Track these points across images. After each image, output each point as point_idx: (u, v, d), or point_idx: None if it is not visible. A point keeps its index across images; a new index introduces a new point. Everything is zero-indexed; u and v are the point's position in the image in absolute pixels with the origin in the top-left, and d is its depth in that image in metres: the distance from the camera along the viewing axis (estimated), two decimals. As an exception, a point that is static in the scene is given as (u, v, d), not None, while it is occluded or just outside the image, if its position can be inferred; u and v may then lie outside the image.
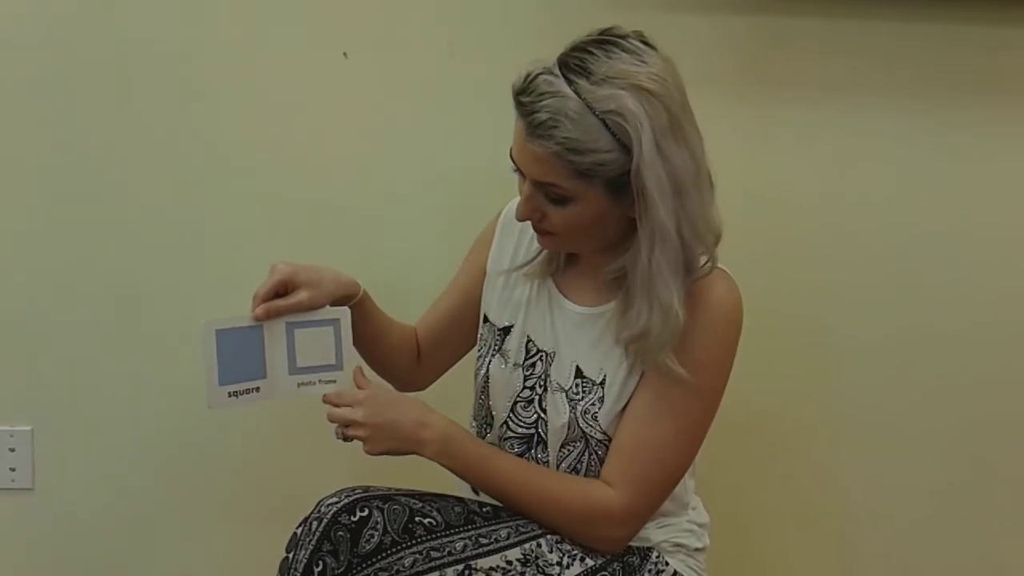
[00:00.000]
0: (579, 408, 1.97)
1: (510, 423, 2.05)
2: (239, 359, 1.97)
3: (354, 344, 2.03)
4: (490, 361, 2.08)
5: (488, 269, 2.13)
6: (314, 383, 2.01)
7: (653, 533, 2.02)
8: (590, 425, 1.96)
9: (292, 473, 2.56)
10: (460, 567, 1.87)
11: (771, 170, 2.48)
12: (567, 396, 1.99)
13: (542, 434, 2.02)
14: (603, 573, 1.94)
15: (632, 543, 1.99)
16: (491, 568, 1.88)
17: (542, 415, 2.02)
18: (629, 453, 1.94)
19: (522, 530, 1.93)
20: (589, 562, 1.94)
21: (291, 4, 2.48)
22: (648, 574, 1.98)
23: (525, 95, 1.82)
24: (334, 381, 2.00)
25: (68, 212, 2.52)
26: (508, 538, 1.91)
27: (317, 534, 1.82)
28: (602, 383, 1.97)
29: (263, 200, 2.53)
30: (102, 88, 2.49)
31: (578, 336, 2.01)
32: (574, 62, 1.81)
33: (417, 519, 1.87)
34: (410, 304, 2.28)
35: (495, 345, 2.09)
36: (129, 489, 2.60)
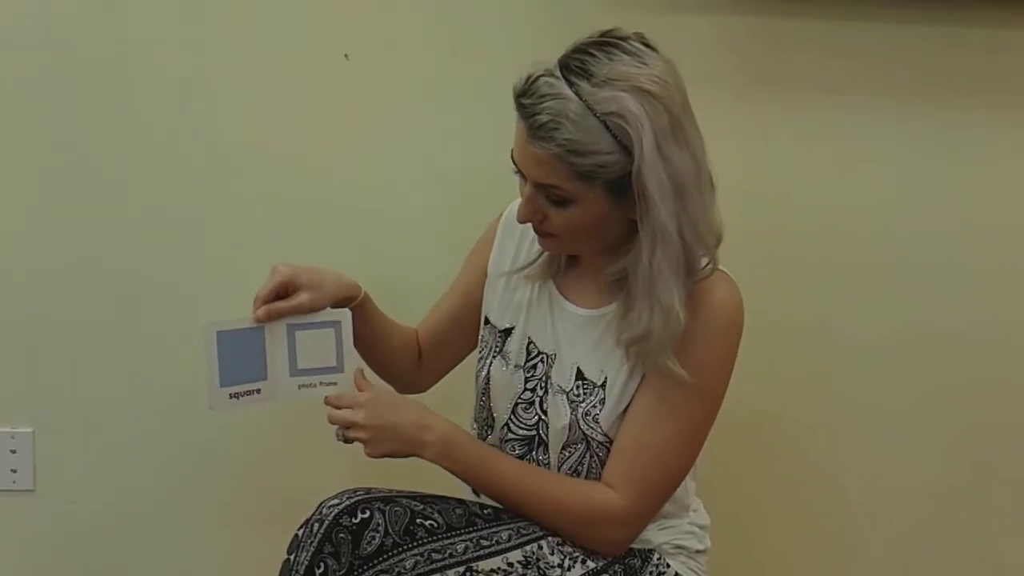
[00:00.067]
0: (580, 410, 1.97)
1: (511, 425, 2.05)
2: (240, 361, 1.97)
3: (355, 346, 2.03)
4: (491, 363, 2.08)
5: (489, 271, 2.13)
6: (315, 385, 2.01)
7: (654, 535, 2.02)
8: (591, 427, 1.96)
9: (292, 474, 2.56)
10: (461, 569, 1.86)
11: (770, 171, 2.48)
12: (568, 398, 1.99)
13: (543, 436, 2.02)
14: (604, 575, 1.94)
15: (633, 545, 1.99)
16: (492, 570, 1.88)
17: (543, 417, 2.02)
18: (630, 455, 1.94)
19: (523, 532, 1.93)
20: (590, 564, 1.94)
21: (291, 4, 2.48)
22: (649, 576, 1.99)
23: (526, 97, 1.82)
24: (335, 383, 2.00)
25: (68, 212, 2.52)
26: (509, 540, 1.91)
27: (318, 536, 1.82)
28: (603, 385, 1.97)
29: (263, 200, 2.53)
30: (102, 88, 2.49)
31: (579, 338, 2.01)
32: (575, 64, 1.81)
33: (418, 521, 1.87)
34: (410, 305, 2.28)
35: (496, 347, 2.09)
36: (130, 490, 2.60)
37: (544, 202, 1.88)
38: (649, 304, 1.86)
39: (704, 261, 1.90)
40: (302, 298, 1.98)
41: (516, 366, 2.05)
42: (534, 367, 2.04)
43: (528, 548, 1.91)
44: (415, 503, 1.89)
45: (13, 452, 2.59)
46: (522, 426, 2.04)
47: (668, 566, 2.01)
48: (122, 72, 2.49)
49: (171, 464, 2.60)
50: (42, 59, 2.48)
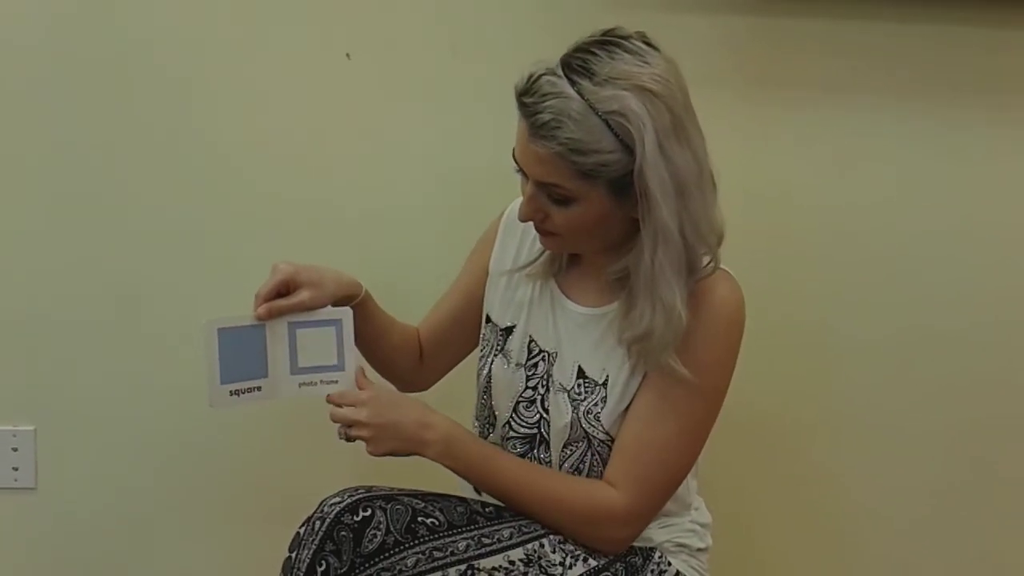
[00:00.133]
0: (581, 408, 1.97)
1: (512, 423, 2.05)
2: (241, 358, 1.97)
3: (356, 344, 2.03)
4: (492, 361, 2.08)
5: (490, 269, 2.13)
6: (316, 383, 2.01)
7: (656, 533, 2.02)
8: (592, 425, 1.96)
9: (293, 473, 2.56)
10: (463, 567, 1.87)
11: (771, 170, 2.48)
12: (569, 396, 1.99)
13: (544, 434, 2.02)
14: (606, 573, 1.94)
15: (635, 543, 1.99)
16: (494, 568, 1.88)
17: (544, 415, 2.02)
18: (632, 454, 1.94)
19: (525, 530, 1.93)
20: (592, 562, 1.94)
21: (291, 4, 2.48)
22: (651, 574, 1.98)
23: (528, 96, 1.82)
24: (336, 382, 2.00)
25: (68, 212, 2.52)
26: (511, 538, 1.91)
27: (320, 533, 1.82)
28: (604, 383, 1.97)
29: (263, 200, 2.53)
30: (102, 88, 2.49)
31: (580, 336, 2.01)
32: (577, 63, 1.81)
33: (420, 519, 1.87)
34: (411, 304, 2.28)
35: (497, 345, 2.09)
36: (131, 488, 2.60)
37: (546, 201, 1.88)
38: (651, 303, 1.86)
39: (706, 260, 1.90)
40: (303, 296, 1.98)
41: (517, 364, 2.05)
42: (535, 365, 2.04)
43: (530, 546, 1.91)
44: (416, 501, 1.89)
45: (15, 450, 2.59)
46: (523, 424, 2.04)
47: (669, 564, 2.01)
48: (122, 72, 2.49)
49: (172, 462, 2.60)
50: (42, 59, 2.48)
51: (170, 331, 2.54)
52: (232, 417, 2.43)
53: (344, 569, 1.82)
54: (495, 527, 1.92)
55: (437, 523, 1.88)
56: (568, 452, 2.00)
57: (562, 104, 1.79)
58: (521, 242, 2.10)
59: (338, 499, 1.86)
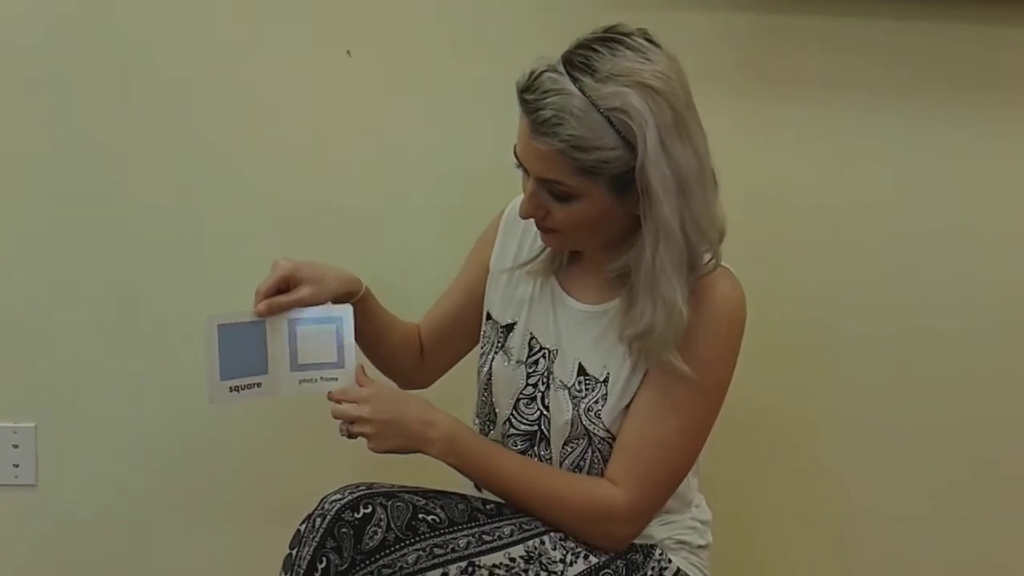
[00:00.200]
0: (582, 406, 1.97)
1: (513, 420, 2.05)
2: (241, 354, 1.97)
3: (357, 341, 2.03)
4: (493, 358, 2.08)
5: (491, 267, 2.13)
6: (315, 380, 2.00)
7: (656, 530, 2.02)
8: (593, 423, 1.96)
9: (293, 473, 2.56)
10: (463, 564, 1.87)
11: (772, 167, 2.48)
12: (570, 393, 1.99)
13: (545, 431, 2.02)
14: (606, 571, 1.94)
15: (635, 540, 1.99)
16: (494, 565, 1.88)
17: (545, 412, 2.02)
18: (633, 451, 1.94)
19: (525, 527, 1.93)
20: (592, 559, 1.94)
21: (292, 4, 2.48)
22: (651, 571, 1.98)
23: (529, 92, 1.82)
24: (336, 379, 1.99)
25: (68, 212, 2.52)
26: (511, 535, 1.91)
27: (321, 531, 1.82)
28: (605, 381, 1.97)
29: (263, 200, 2.53)
30: (102, 88, 2.49)
31: (581, 334, 2.01)
32: (579, 59, 1.81)
33: (420, 516, 1.87)
34: (411, 304, 2.27)
35: (498, 342, 2.09)
36: (131, 485, 2.60)
37: (547, 198, 1.88)
38: (652, 300, 1.86)
39: (707, 257, 1.90)
40: (303, 292, 1.98)
41: (518, 362, 2.05)
42: (536, 363, 2.04)
43: (530, 543, 1.91)
44: (417, 498, 1.89)
45: (15, 447, 2.59)
46: (524, 421, 2.04)
47: (670, 561, 2.01)
48: (122, 72, 2.49)
49: (172, 461, 2.60)
50: (42, 59, 2.48)
51: (170, 330, 2.54)
52: (232, 416, 2.45)
53: (345, 566, 1.82)
54: (496, 524, 1.92)
55: (438, 520, 1.88)
56: (569, 449, 2.00)
57: (564, 101, 1.79)
58: (522, 239, 2.10)
59: (339, 496, 1.86)
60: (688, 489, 2.06)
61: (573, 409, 1.98)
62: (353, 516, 1.83)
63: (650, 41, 1.85)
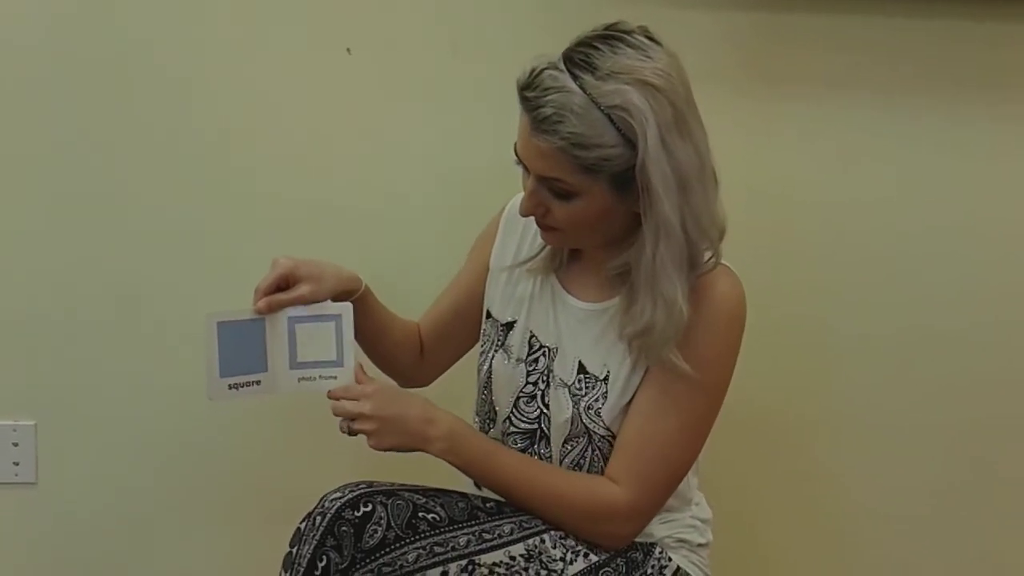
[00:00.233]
0: (582, 404, 1.97)
1: (513, 419, 2.05)
2: (240, 352, 1.97)
3: (356, 339, 2.03)
4: (493, 356, 2.08)
5: (491, 265, 2.13)
6: (314, 378, 2.01)
7: (656, 529, 2.02)
8: (593, 421, 1.96)
9: (293, 472, 2.56)
10: (463, 562, 1.87)
11: (774, 166, 2.48)
12: (570, 392, 1.99)
13: (545, 430, 2.02)
14: (606, 569, 1.94)
15: (635, 539, 1.99)
16: (494, 564, 1.88)
17: (545, 411, 2.02)
18: (634, 449, 1.94)
19: (525, 526, 1.93)
20: (593, 558, 1.94)
21: (292, 3, 2.48)
22: (651, 570, 1.98)
23: (530, 90, 1.82)
24: (334, 377, 1.99)
25: (68, 212, 2.52)
26: (511, 534, 1.91)
27: (321, 529, 1.82)
28: (605, 379, 1.97)
29: (263, 200, 2.52)
30: (102, 88, 2.48)
31: (581, 332, 2.01)
32: (579, 57, 1.81)
33: (421, 514, 1.86)
34: (411, 304, 2.27)
35: (498, 341, 2.09)
36: (131, 484, 2.60)
37: (547, 195, 1.88)
38: (652, 298, 1.86)
39: (707, 255, 1.90)
40: (302, 290, 1.98)
41: (518, 360, 2.05)
42: (536, 361, 2.04)
43: (530, 542, 1.91)
44: (417, 496, 1.89)
45: (15, 445, 2.58)
46: (524, 420, 2.04)
47: (670, 560, 2.01)
48: (122, 72, 2.48)
49: (172, 460, 2.59)
50: (42, 59, 2.47)
51: (170, 330, 2.54)
52: (232, 416, 2.45)
53: (345, 564, 1.81)
54: (496, 523, 1.91)
55: (438, 518, 1.87)
56: (569, 448, 2.00)
57: (564, 98, 1.79)
58: (522, 237, 2.10)
59: (339, 494, 1.86)
60: (688, 488, 2.06)
61: (573, 407, 1.98)
62: (353, 514, 1.83)
63: (651, 39, 1.85)
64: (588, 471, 2.00)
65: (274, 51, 2.49)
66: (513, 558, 1.89)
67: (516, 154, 1.89)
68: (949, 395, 2.54)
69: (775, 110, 2.47)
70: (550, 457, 2.02)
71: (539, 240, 2.02)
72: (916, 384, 2.54)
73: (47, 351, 2.55)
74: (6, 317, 2.54)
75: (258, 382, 1.99)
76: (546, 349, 2.03)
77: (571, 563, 1.92)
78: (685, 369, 1.88)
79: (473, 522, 1.90)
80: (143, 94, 2.49)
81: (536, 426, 2.03)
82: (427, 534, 1.86)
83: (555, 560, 1.91)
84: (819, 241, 2.50)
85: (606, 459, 1.98)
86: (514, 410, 2.05)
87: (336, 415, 1.93)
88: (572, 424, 1.98)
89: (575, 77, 1.80)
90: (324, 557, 1.81)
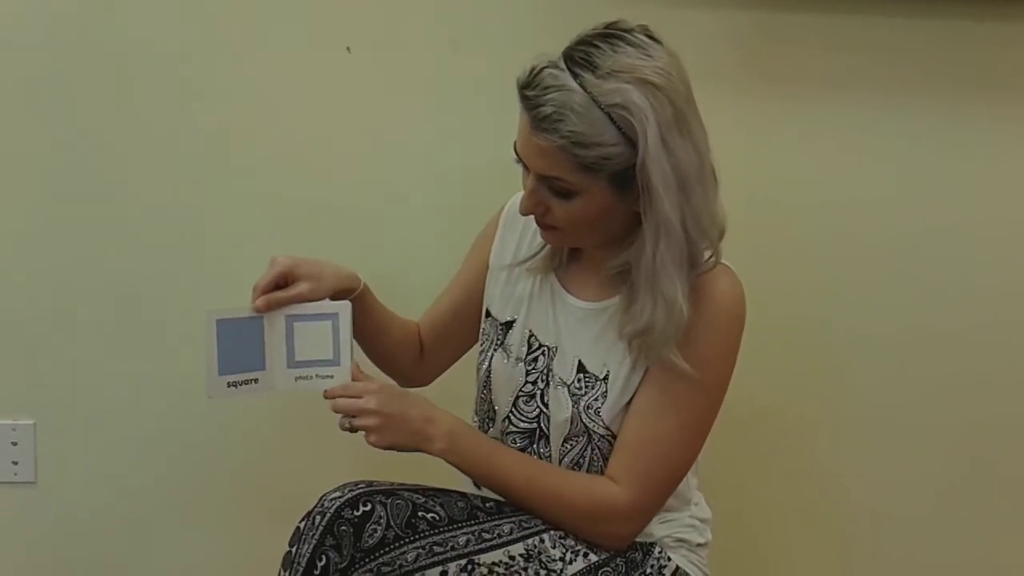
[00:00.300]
0: (582, 403, 1.97)
1: (512, 418, 2.05)
2: (239, 350, 1.97)
3: (356, 338, 2.03)
4: (492, 356, 2.08)
5: (491, 264, 2.13)
6: (311, 377, 2.01)
7: (656, 528, 2.02)
8: (593, 420, 1.96)
9: (293, 472, 2.55)
10: (463, 562, 1.86)
11: (774, 166, 2.48)
12: (569, 391, 1.99)
13: (544, 429, 2.02)
14: (606, 569, 1.94)
15: (635, 538, 1.98)
16: (494, 563, 1.88)
17: (544, 410, 2.02)
18: (634, 449, 1.94)
19: (525, 525, 1.93)
20: (592, 557, 1.93)
21: (291, 3, 2.48)
22: (651, 569, 1.98)
23: (530, 88, 1.82)
24: (331, 376, 1.99)
25: (68, 212, 2.52)
26: (511, 533, 1.91)
27: (320, 528, 1.82)
28: (605, 378, 1.97)
29: (263, 200, 2.52)
30: (102, 88, 2.48)
31: (580, 331, 2.01)
32: (579, 56, 1.81)
33: (420, 514, 1.86)
34: (411, 304, 2.27)
35: (497, 340, 2.08)
36: (130, 484, 2.60)
37: (547, 194, 1.88)
38: (652, 297, 1.86)
39: (707, 254, 1.90)
40: (301, 288, 1.98)
41: (517, 359, 2.05)
42: (535, 360, 2.04)
43: (530, 541, 1.91)
44: (417, 496, 1.88)
45: (14, 444, 2.58)
46: (523, 419, 2.04)
47: (669, 559, 2.00)
48: (122, 72, 2.48)
49: (172, 460, 2.59)
50: (42, 59, 2.47)
51: (170, 330, 2.54)
52: (232, 416, 2.45)
53: (344, 564, 1.81)
54: (495, 522, 1.91)
55: (437, 518, 1.87)
56: (568, 447, 2.00)
57: (564, 97, 1.79)
58: (521, 236, 2.10)
59: (338, 494, 1.85)
60: (687, 487, 2.06)
61: (573, 407, 1.98)
62: (353, 514, 1.82)
63: (651, 37, 1.84)
64: (588, 471, 2.00)
65: (274, 51, 2.49)
66: (512, 558, 1.89)
67: (516, 153, 1.88)
68: (949, 395, 2.54)
69: (775, 110, 2.47)
70: (549, 456, 2.02)
71: (539, 239, 2.02)
72: (916, 384, 2.54)
73: (47, 351, 2.55)
74: (6, 317, 2.54)
75: (256, 380, 2.00)
76: (545, 348, 2.03)
77: (570, 563, 1.92)
78: (685, 368, 1.88)
79: (472, 522, 1.90)
80: (143, 94, 2.49)
81: (535, 425, 2.03)
82: (426, 534, 1.85)
83: (554, 560, 1.91)
84: (819, 241, 2.50)
85: (606, 459, 1.97)
86: (513, 409, 2.05)
87: (337, 411, 1.93)
88: (571, 423, 1.98)
89: (575, 76, 1.79)
90: (323, 556, 1.81)
